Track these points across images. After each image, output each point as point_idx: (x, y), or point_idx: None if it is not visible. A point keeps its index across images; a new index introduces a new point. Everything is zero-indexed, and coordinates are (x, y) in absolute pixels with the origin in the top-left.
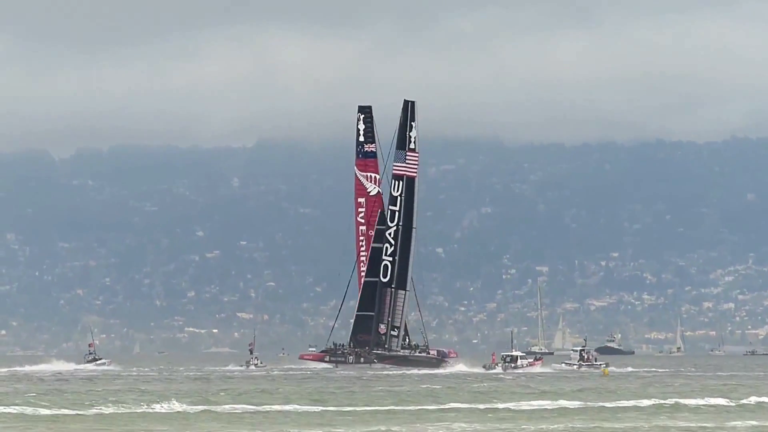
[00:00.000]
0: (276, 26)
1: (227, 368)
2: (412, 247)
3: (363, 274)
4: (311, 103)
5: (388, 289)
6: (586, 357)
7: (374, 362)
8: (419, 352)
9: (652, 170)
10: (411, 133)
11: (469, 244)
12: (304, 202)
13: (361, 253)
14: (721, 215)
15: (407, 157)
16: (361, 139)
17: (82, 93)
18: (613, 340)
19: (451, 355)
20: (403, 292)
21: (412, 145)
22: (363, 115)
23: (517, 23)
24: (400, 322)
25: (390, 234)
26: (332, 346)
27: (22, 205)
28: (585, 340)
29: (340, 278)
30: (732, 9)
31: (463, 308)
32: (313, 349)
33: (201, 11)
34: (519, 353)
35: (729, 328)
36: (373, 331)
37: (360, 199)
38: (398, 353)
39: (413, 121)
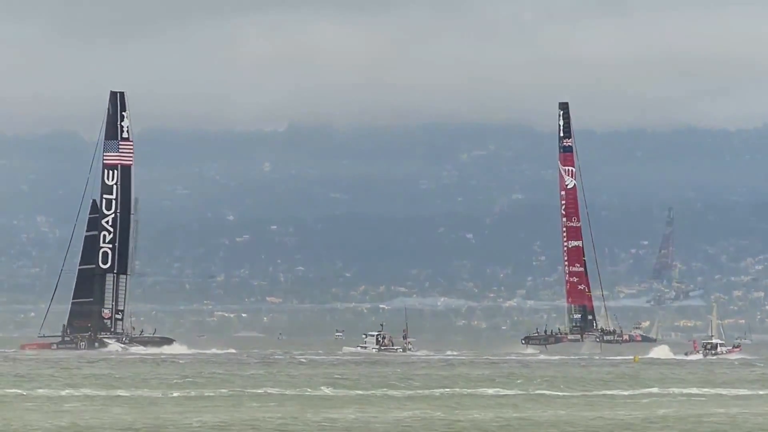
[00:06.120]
0: (308, 10)
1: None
2: (132, 233)
3: (568, 270)
4: (343, 86)
5: (110, 275)
6: (382, 341)
7: (106, 345)
8: (616, 337)
9: (682, 157)
10: (123, 123)
11: (500, 230)
12: (335, 187)
13: (563, 244)
14: (751, 203)
15: (120, 147)
16: (561, 134)
17: (114, 75)
18: (640, 328)
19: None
20: (125, 276)
21: (125, 135)
22: (562, 111)
23: (550, 8)
24: (124, 306)
25: (107, 222)
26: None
27: (53, 187)
28: (382, 326)
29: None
30: None
31: (492, 294)
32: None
33: None
34: (719, 341)
35: (759, 317)
36: (95, 316)
37: (562, 192)
38: (133, 335)
39: (124, 111)
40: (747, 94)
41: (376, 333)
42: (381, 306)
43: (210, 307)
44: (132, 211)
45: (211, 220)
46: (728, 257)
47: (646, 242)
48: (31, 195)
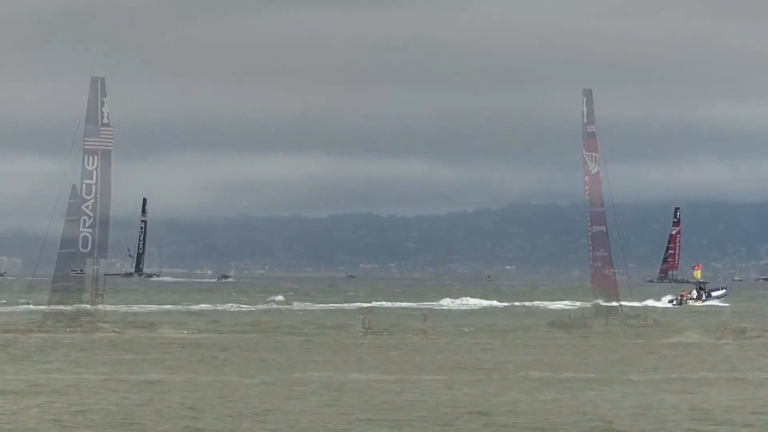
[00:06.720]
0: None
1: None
2: (111, 217)
3: (592, 255)
4: (355, 76)
5: (91, 259)
6: (368, 325)
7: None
8: (641, 321)
9: (696, 149)
10: (103, 109)
11: (513, 217)
12: (348, 175)
13: (588, 230)
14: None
15: (100, 132)
16: (585, 120)
17: (121, 67)
18: None
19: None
20: (104, 260)
21: (105, 120)
22: (586, 98)
23: (564, 4)
24: (104, 289)
25: (87, 207)
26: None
27: (73, 182)
28: (370, 310)
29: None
30: None
31: (507, 282)
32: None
33: None
34: (749, 326)
35: None
36: (75, 300)
37: (586, 178)
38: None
39: (104, 97)
40: (763, 88)
41: (362, 317)
42: (395, 291)
43: (225, 297)
44: (113, 197)
45: (225, 213)
46: (744, 242)
47: (658, 227)
48: (50, 187)
